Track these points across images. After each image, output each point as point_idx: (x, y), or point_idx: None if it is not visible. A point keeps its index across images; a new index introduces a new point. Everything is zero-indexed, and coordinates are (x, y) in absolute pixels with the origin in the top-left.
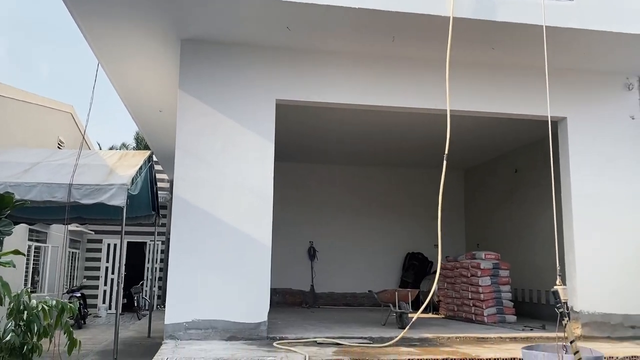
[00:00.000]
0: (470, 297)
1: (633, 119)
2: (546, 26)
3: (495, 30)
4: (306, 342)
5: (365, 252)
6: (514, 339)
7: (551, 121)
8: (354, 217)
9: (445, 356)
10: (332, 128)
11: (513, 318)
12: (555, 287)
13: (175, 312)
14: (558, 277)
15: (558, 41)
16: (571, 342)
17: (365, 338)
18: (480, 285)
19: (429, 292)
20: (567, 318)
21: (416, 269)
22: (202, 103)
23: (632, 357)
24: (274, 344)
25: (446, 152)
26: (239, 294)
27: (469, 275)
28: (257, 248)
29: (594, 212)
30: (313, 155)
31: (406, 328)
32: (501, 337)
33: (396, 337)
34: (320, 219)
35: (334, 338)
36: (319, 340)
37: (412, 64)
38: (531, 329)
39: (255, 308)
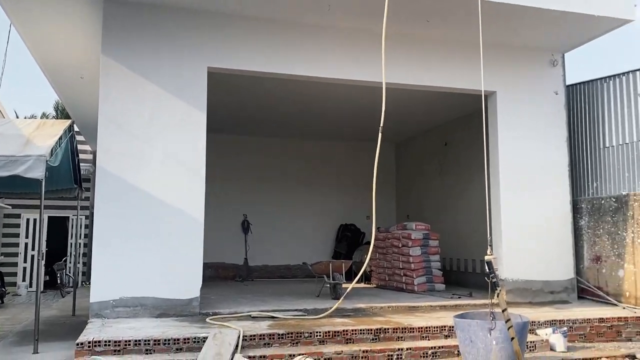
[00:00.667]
0: (401, 266)
1: (557, 94)
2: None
3: (430, 3)
4: (240, 316)
5: (299, 224)
6: (444, 307)
7: (479, 94)
8: (288, 189)
9: (378, 326)
10: (264, 99)
11: (442, 286)
12: (486, 257)
13: (101, 289)
14: (489, 247)
15: (488, 15)
16: (503, 311)
17: (299, 310)
18: (410, 255)
19: (362, 262)
20: (499, 288)
21: (349, 240)
22: (127, 69)
23: (552, 320)
24: (207, 319)
25: (381, 124)
26: (170, 270)
27: (400, 245)
28: (189, 222)
29: (520, 183)
30: (246, 126)
31: (340, 299)
32: (431, 306)
33: (330, 308)
34: (254, 192)
35: (268, 311)
36: (253, 314)
37: (348, 35)
38: (459, 297)
39: (186, 283)
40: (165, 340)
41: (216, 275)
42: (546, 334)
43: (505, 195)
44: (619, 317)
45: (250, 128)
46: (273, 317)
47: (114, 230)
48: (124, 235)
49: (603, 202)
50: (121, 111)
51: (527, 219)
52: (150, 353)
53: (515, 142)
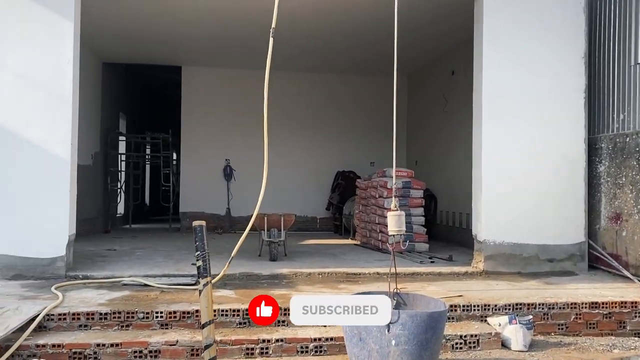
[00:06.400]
0: (377, 221)
1: None
2: None
3: None
4: (111, 282)
5: (291, 170)
6: (392, 275)
7: (466, 1)
8: (278, 130)
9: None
10: (247, 20)
11: (424, 246)
12: (389, 212)
13: None
14: (394, 198)
15: None
16: None
17: (192, 276)
18: (386, 208)
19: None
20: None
21: (342, 189)
22: None
23: (517, 304)
24: (53, 287)
25: (273, 25)
26: (28, 222)
27: (377, 196)
28: (51, 163)
29: (511, 116)
30: (228, 57)
31: (227, 265)
32: (378, 273)
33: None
34: (237, 133)
35: (155, 277)
36: (125, 280)
37: None
38: (432, 261)
39: (49, 239)
40: None
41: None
42: (499, 324)
43: (489, 130)
44: (622, 302)
45: (232, 58)
46: (146, 285)
47: None
48: None
49: (628, 139)
50: None
51: (521, 163)
52: None
53: (507, 58)
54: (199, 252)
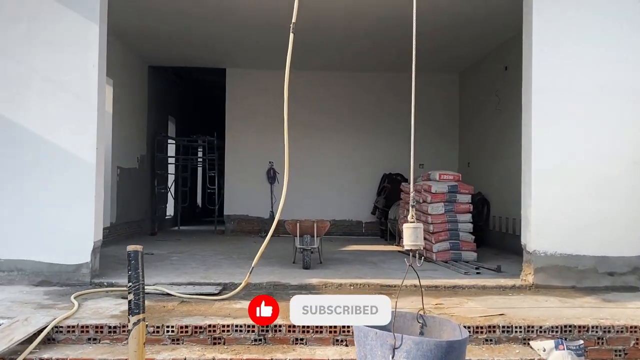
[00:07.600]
0: None
1: None
2: None
3: None
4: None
5: (336, 173)
6: (433, 289)
7: None
8: (324, 132)
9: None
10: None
11: (472, 255)
12: (405, 225)
13: None
14: (411, 207)
15: None
16: None
17: (218, 284)
18: (429, 214)
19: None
20: None
21: (388, 192)
22: None
23: (566, 325)
24: (72, 296)
25: (293, 20)
26: (54, 227)
27: (421, 200)
28: (77, 166)
29: (562, 111)
30: (271, 58)
31: (248, 273)
32: (415, 286)
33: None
34: (281, 136)
35: (180, 285)
36: (149, 289)
37: None
38: (478, 272)
39: (74, 245)
40: None
41: (238, 229)
42: (544, 349)
43: (539, 129)
44: None
45: (277, 60)
46: (169, 294)
47: None
48: None
49: None
50: None
51: (577, 165)
52: None
53: (562, 47)
54: (131, 284)
